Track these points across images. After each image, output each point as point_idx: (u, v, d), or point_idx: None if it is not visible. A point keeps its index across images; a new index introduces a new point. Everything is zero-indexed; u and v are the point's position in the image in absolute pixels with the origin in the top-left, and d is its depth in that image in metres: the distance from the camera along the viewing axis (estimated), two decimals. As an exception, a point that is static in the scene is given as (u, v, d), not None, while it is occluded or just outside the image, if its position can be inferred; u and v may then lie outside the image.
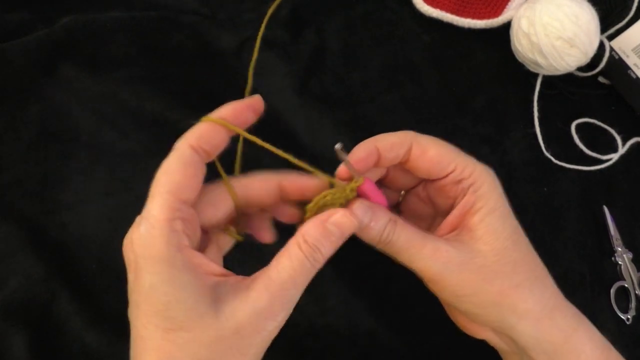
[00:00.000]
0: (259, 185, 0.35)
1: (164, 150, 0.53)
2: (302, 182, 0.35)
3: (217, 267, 0.31)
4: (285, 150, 0.49)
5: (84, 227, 0.49)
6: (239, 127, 0.33)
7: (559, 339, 0.34)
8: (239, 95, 0.54)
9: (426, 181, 0.38)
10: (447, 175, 0.35)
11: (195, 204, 0.32)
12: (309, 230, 0.31)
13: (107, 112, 0.52)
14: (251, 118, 0.34)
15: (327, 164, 0.51)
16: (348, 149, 0.52)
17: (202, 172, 0.32)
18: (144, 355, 0.29)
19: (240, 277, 0.32)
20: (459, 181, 0.35)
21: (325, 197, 0.33)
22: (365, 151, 0.34)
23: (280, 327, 0.31)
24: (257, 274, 0.31)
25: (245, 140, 0.34)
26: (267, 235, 0.38)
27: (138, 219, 0.31)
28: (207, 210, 0.33)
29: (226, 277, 0.31)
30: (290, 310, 0.31)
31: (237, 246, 0.47)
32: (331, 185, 0.34)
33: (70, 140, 0.52)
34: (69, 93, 0.53)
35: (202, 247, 0.34)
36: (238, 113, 0.33)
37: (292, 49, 0.55)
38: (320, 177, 0.34)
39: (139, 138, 0.52)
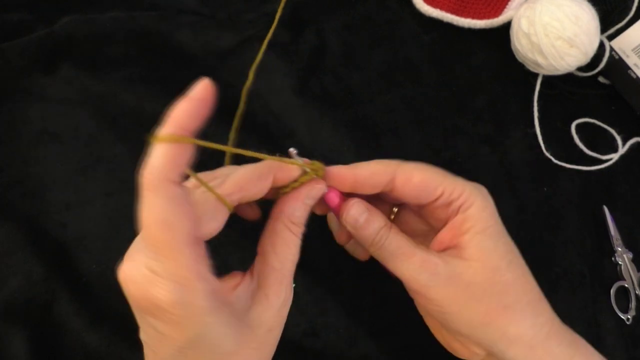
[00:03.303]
0: (256, 186, 0.33)
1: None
2: (291, 173, 0.35)
3: (230, 282, 0.32)
4: (285, 150, 0.48)
5: (84, 227, 0.49)
6: (196, 124, 0.28)
7: None
8: (238, 95, 0.54)
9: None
10: (436, 200, 0.35)
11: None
12: (294, 212, 0.33)
13: (107, 112, 0.52)
14: (205, 111, 0.28)
15: (327, 163, 0.51)
16: (349, 148, 0.53)
17: (188, 196, 0.29)
18: None
19: (246, 278, 0.32)
20: (449, 203, 0.35)
21: (298, 181, 0.34)
22: (339, 173, 0.35)
23: None
24: (259, 267, 0.32)
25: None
26: (252, 213, 0.39)
27: (154, 277, 0.27)
28: (210, 225, 0.31)
29: (237, 285, 0.32)
30: None
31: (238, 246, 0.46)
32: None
33: (70, 140, 0.52)
34: (69, 93, 0.53)
35: None
36: (191, 114, 0.28)
37: (292, 49, 0.55)
38: (291, 163, 0.34)
39: (139, 138, 0.51)
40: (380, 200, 0.39)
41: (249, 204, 0.37)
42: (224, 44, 0.55)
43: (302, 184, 0.34)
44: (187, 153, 0.28)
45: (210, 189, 0.31)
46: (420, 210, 0.38)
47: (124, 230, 0.48)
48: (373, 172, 0.35)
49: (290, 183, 0.34)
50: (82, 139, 0.52)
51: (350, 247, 0.42)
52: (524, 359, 0.33)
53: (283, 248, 0.32)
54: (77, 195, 0.50)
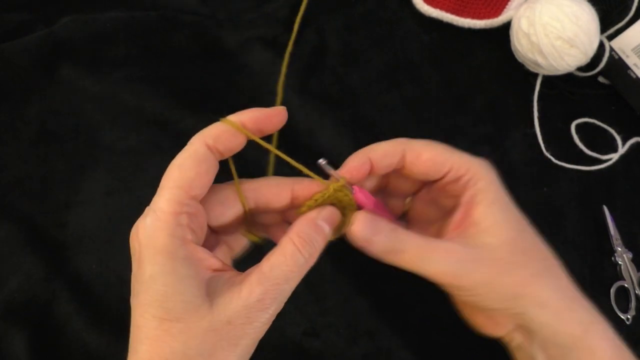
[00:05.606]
0: (271, 191, 0.35)
1: (164, 150, 0.53)
2: (314, 189, 0.35)
3: (217, 262, 0.32)
4: (285, 150, 0.48)
5: (84, 227, 0.49)
6: (256, 134, 0.33)
7: (578, 332, 0.34)
8: (238, 95, 0.54)
9: (428, 184, 0.38)
10: (444, 176, 0.35)
11: (204, 201, 0.33)
12: (302, 228, 0.32)
13: (107, 112, 0.52)
14: (270, 129, 0.34)
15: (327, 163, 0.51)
16: (349, 147, 0.52)
17: (214, 170, 0.33)
18: (138, 343, 0.30)
19: (235, 272, 0.32)
20: (458, 179, 0.35)
21: (316, 200, 0.34)
22: (358, 161, 0.35)
23: (273, 318, 0.31)
24: (251, 269, 0.32)
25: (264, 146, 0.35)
26: None
27: (146, 210, 0.31)
28: (216, 209, 0.34)
29: (223, 271, 0.32)
30: (283, 303, 0.31)
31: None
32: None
33: (70, 140, 0.52)
34: (69, 93, 0.53)
35: (210, 246, 0.35)
36: (258, 121, 0.33)
37: (292, 49, 0.55)
38: (320, 182, 0.35)
39: (139, 138, 0.52)
40: (391, 195, 0.39)
41: (279, 223, 0.37)
42: (224, 44, 0.56)
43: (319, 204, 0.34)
44: (234, 139, 0.32)
45: (234, 173, 0.34)
46: (431, 190, 0.38)
47: (124, 230, 0.48)
48: (385, 151, 0.35)
49: (306, 202, 0.34)
50: (82, 139, 0.52)
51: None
52: (552, 323, 0.34)
53: (278, 256, 0.31)
54: (77, 195, 0.50)
